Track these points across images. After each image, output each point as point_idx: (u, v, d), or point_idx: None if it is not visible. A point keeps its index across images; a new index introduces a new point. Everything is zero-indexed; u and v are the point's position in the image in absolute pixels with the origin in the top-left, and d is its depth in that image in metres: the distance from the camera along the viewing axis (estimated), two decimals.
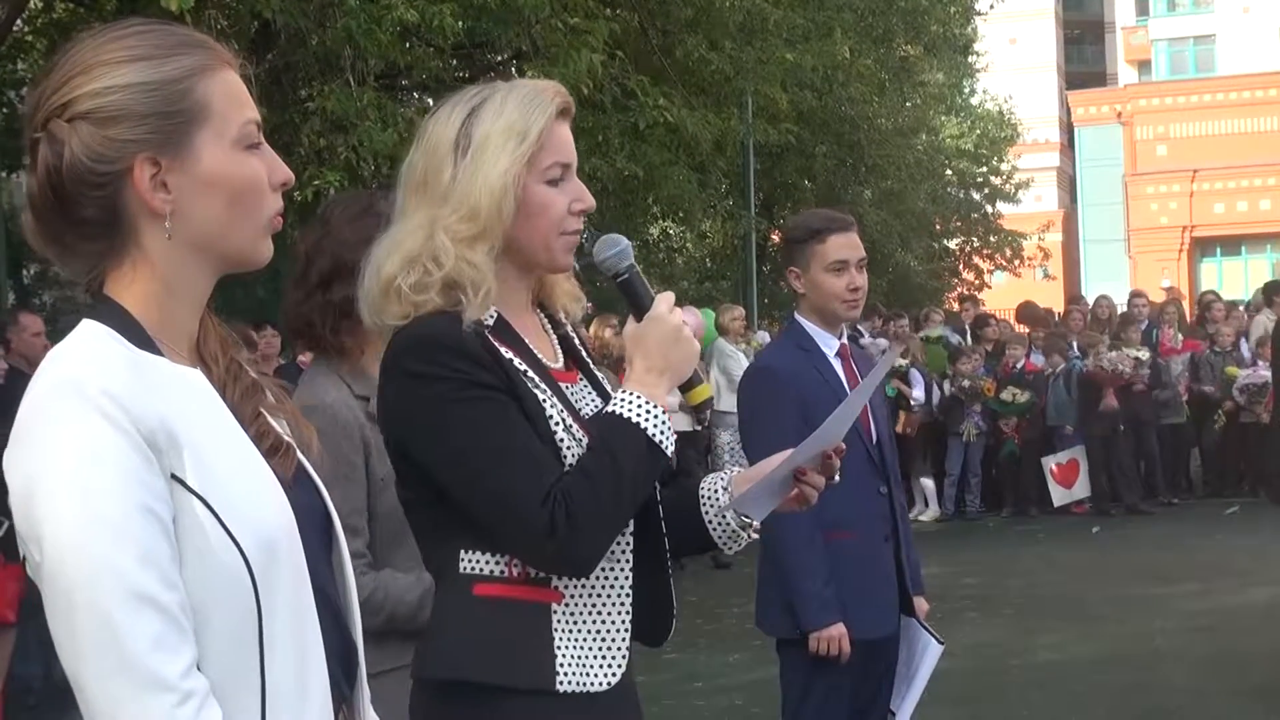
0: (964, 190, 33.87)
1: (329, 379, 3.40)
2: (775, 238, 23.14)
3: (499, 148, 2.53)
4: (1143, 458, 16.21)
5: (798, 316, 4.87)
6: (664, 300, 2.61)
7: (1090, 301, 18.95)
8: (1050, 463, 15.70)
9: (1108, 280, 37.97)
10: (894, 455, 4.96)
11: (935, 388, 16.03)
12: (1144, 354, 16.11)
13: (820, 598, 4.54)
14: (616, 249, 2.64)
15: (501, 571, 2.50)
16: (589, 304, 2.87)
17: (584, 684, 2.50)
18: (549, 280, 2.75)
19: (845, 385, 4.69)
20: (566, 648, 2.50)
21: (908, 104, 26.19)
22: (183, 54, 1.91)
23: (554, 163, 2.59)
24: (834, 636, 4.54)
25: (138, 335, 1.87)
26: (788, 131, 18.10)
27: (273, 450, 1.95)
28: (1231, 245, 46.52)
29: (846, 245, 4.75)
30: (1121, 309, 18.45)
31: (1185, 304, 19.74)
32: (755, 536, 2.74)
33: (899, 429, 15.24)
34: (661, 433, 2.48)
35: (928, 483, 16.18)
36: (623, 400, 2.50)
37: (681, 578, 12.45)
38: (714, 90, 16.54)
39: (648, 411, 2.48)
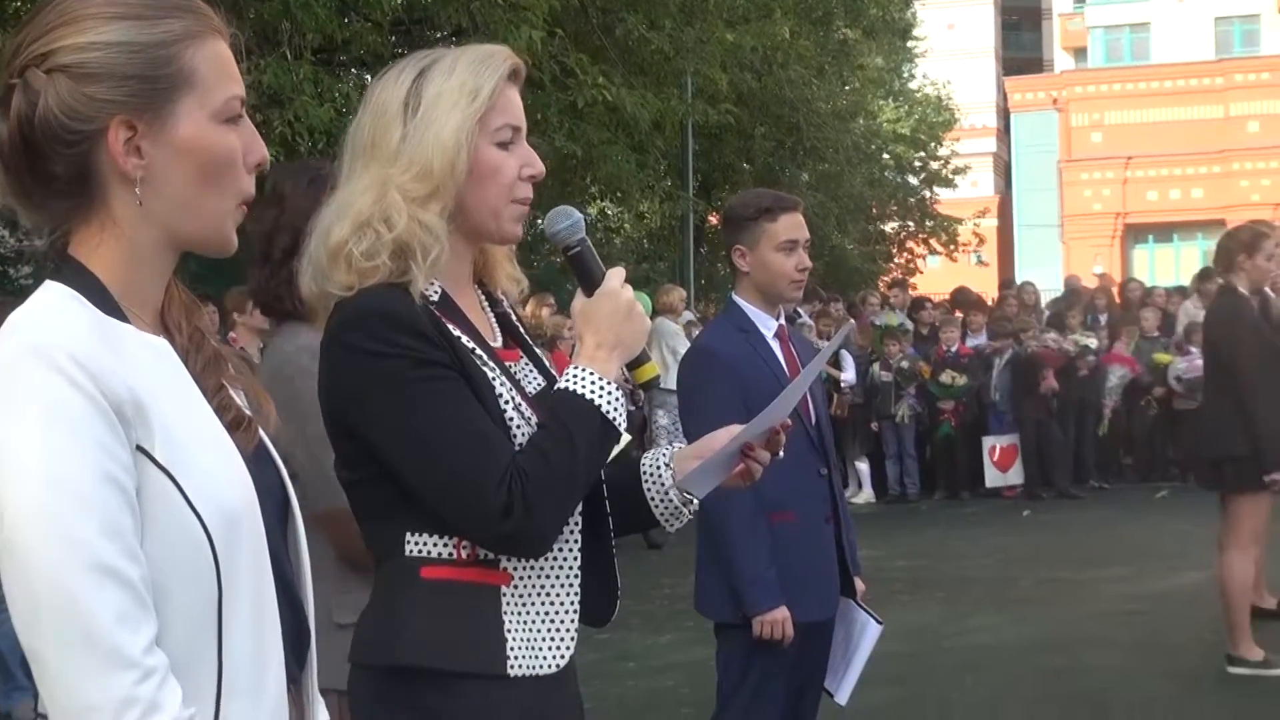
0: (901, 174, 33.95)
1: (311, 331, 3.37)
2: (713, 219, 23.13)
3: (451, 106, 2.49)
4: (1080, 442, 16.35)
5: (736, 297, 4.84)
6: (615, 275, 2.58)
7: (1016, 287, 19.12)
8: (990, 444, 15.80)
9: (1041, 266, 38.31)
10: (831, 437, 4.96)
11: (870, 370, 16.10)
12: (1093, 341, 16.25)
13: (764, 581, 4.52)
14: (569, 221, 2.61)
15: (450, 554, 2.46)
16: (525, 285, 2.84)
17: (534, 667, 2.47)
18: (490, 258, 2.71)
19: (784, 367, 4.68)
20: (516, 631, 2.46)
21: (846, 87, 26.20)
22: (174, 18, 1.86)
23: (504, 124, 2.55)
24: (777, 620, 4.52)
25: (104, 300, 1.82)
26: (727, 112, 18.08)
27: (235, 424, 1.91)
28: (1163, 233, 46.93)
29: (796, 225, 4.73)
30: (1053, 294, 18.61)
31: (1115, 291, 19.85)
32: (693, 514, 2.73)
33: (833, 411, 15.30)
34: (615, 410, 2.46)
35: (862, 465, 16.25)
36: (575, 377, 2.46)
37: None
38: (654, 70, 16.49)
39: (601, 388, 2.45)
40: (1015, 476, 15.84)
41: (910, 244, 34.67)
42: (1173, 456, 16.85)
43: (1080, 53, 50.79)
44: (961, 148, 39.22)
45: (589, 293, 2.57)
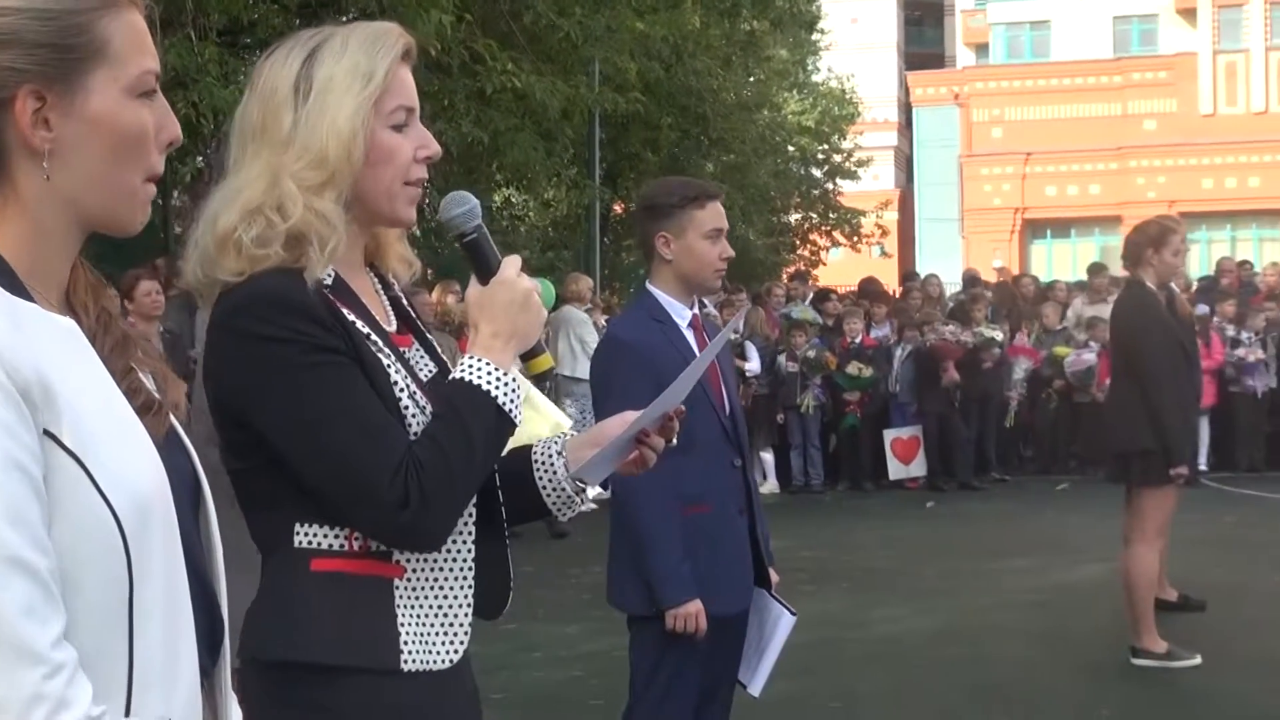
0: (805, 166, 34.08)
1: None
2: (618, 208, 23.09)
3: (344, 90, 2.41)
4: (982, 435, 16.48)
5: (651, 286, 4.76)
6: (511, 264, 2.51)
7: (921, 280, 19.26)
8: (892, 436, 15.87)
9: (941, 259, 38.50)
10: (745, 428, 4.92)
11: (775, 361, 16.12)
12: (998, 334, 16.38)
13: (678, 574, 4.47)
14: (464, 207, 2.54)
15: (341, 545, 2.38)
16: (430, 269, 2.76)
17: (428, 662, 2.41)
18: (381, 240, 2.64)
19: (698, 356, 4.63)
20: (410, 624, 2.40)
21: (752, 79, 26.26)
22: None
23: (399, 106, 2.48)
24: (691, 614, 4.47)
25: (8, 279, 1.73)
26: (635, 101, 18.03)
27: (145, 408, 1.83)
28: (1061, 228, 47.35)
29: (720, 214, 4.70)
30: (954, 288, 18.76)
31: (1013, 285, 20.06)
32: (586, 502, 2.68)
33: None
34: (511, 401, 2.40)
35: (766, 456, 16.27)
36: (471, 367, 2.40)
37: (518, 547, 12.33)
38: (562, 57, 16.39)
39: (497, 379, 2.39)
40: (918, 468, 15.95)
41: (814, 236, 34.82)
42: (1073, 449, 17.03)
43: (982, 49, 51.14)
44: (864, 141, 39.44)
45: (484, 281, 2.50)
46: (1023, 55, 48.50)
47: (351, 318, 2.40)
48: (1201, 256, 36.22)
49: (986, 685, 7.71)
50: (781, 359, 16.07)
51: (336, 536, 2.38)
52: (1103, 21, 47.43)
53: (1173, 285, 8.41)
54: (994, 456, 16.73)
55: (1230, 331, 16.80)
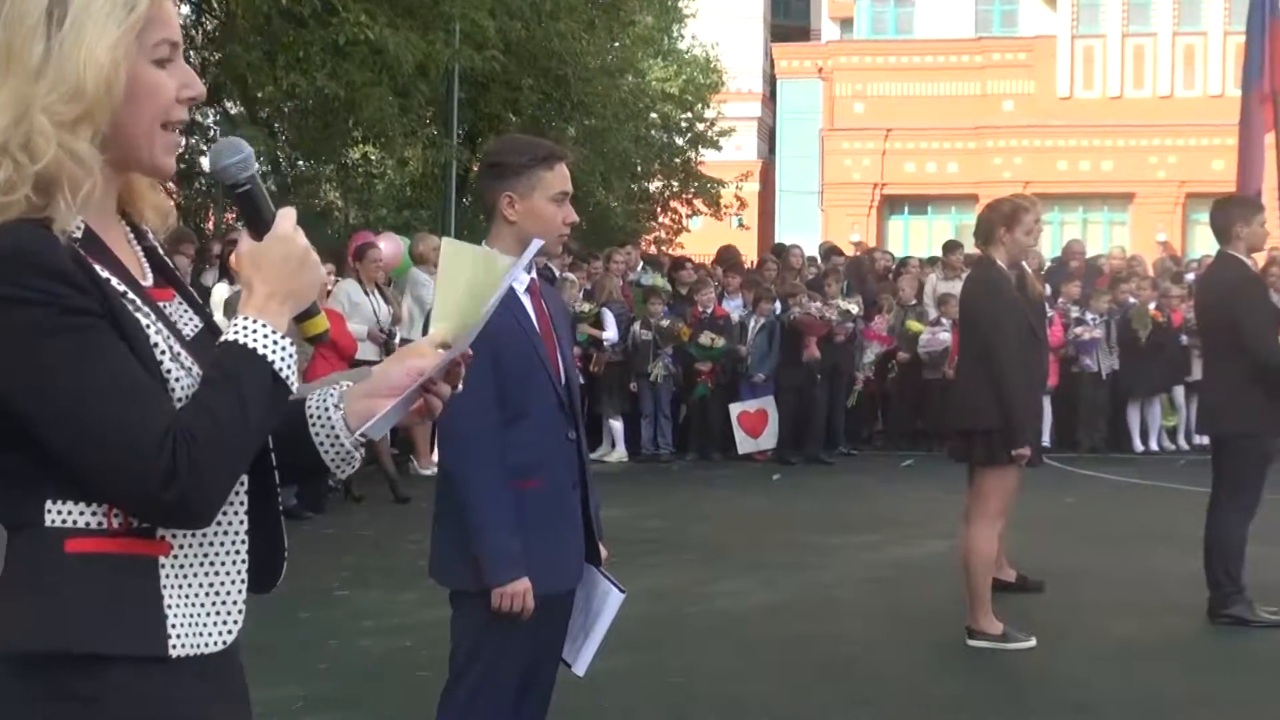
0: (667, 134, 33.97)
1: None
2: (477, 169, 22.79)
3: (105, 16, 2.17)
4: (832, 408, 16.52)
5: (489, 247, 4.60)
6: (287, 218, 2.32)
7: (788, 251, 19.24)
8: (738, 410, 15.83)
9: (801, 232, 38.60)
10: (579, 399, 4.78)
11: (630, 329, 16.03)
12: (854, 307, 16.41)
13: (507, 552, 4.30)
14: (237, 156, 2.33)
15: (99, 523, 2.17)
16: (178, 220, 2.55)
17: (198, 645, 2.22)
18: (133, 187, 2.41)
19: (534, 322, 4.47)
20: (178, 606, 2.20)
21: (616, 44, 26.08)
22: None
23: (163, 39, 2.26)
24: (518, 592, 4.31)
25: None
26: (493, 60, 17.80)
27: None
28: (919, 205, 47.78)
29: (567, 177, 4.52)
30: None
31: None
32: (362, 457, 2.50)
33: (590, 368, 15.22)
34: (287, 364, 2.22)
35: (616, 424, 16.18)
36: (244, 329, 2.21)
37: (359, 512, 12.22)
38: (421, 13, 16.14)
39: (272, 341, 2.21)
40: (767, 441, 15.92)
41: (675, 204, 34.76)
42: (920, 426, 17.16)
43: (847, 23, 51.33)
44: (727, 111, 39.42)
45: (258, 236, 2.31)
46: (887, 31, 48.78)
47: (105, 274, 2.18)
48: (1054, 238, 36.71)
49: (826, 661, 7.67)
50: (636, 326, 15.97)
51: (94, 514, 2.17)
52: (966, 1, 47.84)
53: (1024, 264, 8.41)
54: (843, 431, 16.77)
55: (1075, 313, 17.00)
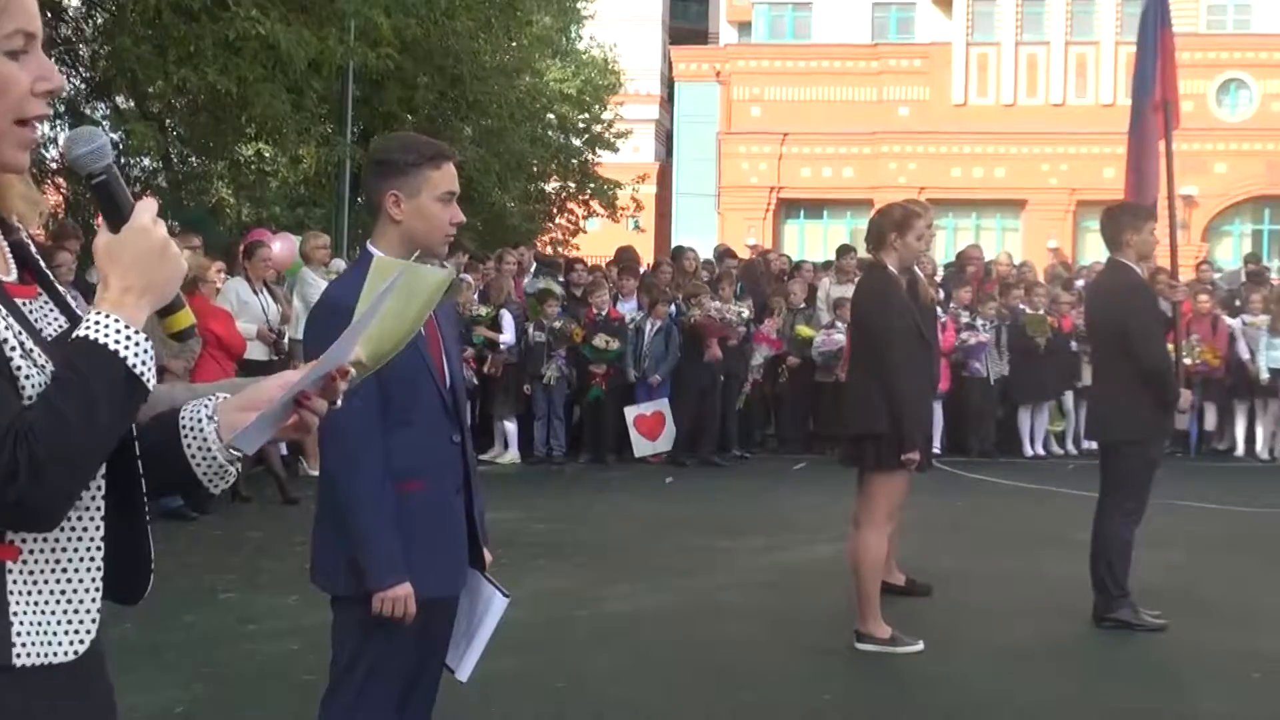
0: (564, 135, 33.90)
1: None
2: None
3: None
4: (725, 411, 16.53)
5: (373, 247, 4.46)
6: (146, 209, 2.23)
7: (673, 254, 19.27)
8: (634, 414, 15.78)
9: (697, 235, 38.69)
10: (465, 401, 4.70)
11: (525, 330, 15.94)
12: (745, 311, 16.42)
13: (388, 556, 4.22)
14: (91, 145, 2.24)
15: None
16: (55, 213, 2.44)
17: (46, 655, 2.14)
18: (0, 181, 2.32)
19: (421, 326, 4.39)
20: (24, 613, 2.13)
21: (513, 43, 25.95)
22: None
23: (17, 30, 2.17)
24: (399, 597, 4.23)
25: None
26: (388, 57, 17.64)
27: None
28: (815, 209, 48.07)
29: (454, 176, 4.44)
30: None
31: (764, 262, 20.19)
32: (237, 473, 2.43)
33: (486, 369, 15.14)
34: (143, 362, 2.13)
35: (509, 425, 16.08)
36: (96, 324, 2.12)
37: (247, 512, 12.05)
38: (315, 9, 15.95)
39: (126, 337, 2.12)
40: (664, 444, 15.87)
41: (571, 205, 34.70)
42: (812, 429, 17.22)
43: (745, 27, 51.53)
44: (625, 113, 39.42)
45: (115, 228, 2.22)
46: (784, 36, 49.05)
47: None
48: (948, 243, 37.13)
49: (715, 665, 7.63)
50: (530, 328, 15.89)
51: None
52: (863, 7, 48.24)
53: (916, 269, 8.43)
54: (735, 433, 16.79)
55: (965, 318, 17.13)
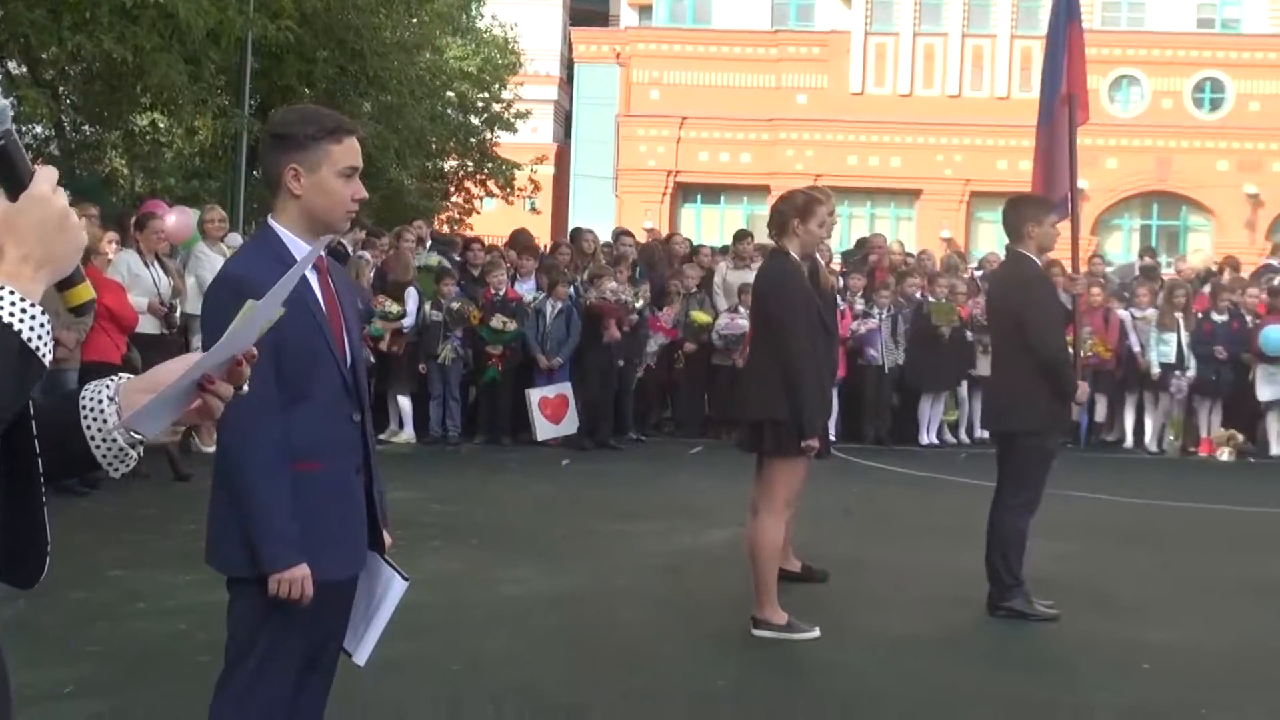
0: (464, 114, 33.68)
1: None
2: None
3: None
4: (622, 394, 16.50)
5: (273, 222, 4.34)
6: (46, 177, 2.14)
7: (572, 235, 19.22)
8: (538, 396, 15.67)
9: (595, 217, 38.61)
10: (365, 380, 4.62)
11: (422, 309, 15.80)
12: (641, 300, 16.36)
13: (283, 536, 4.13)
14: None
15: None
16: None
17: None
18: None
19: (321, 302, 4.30)
20: None
21: (414, 19, 25.74)
22: None
23: None
24: (296, 579, 4.14)
25: None
26: (288, 30, 17.40)
27: None
28: (712, 194, 48.16)
29: (356, 151, 4.32)
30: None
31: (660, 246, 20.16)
32: (139, 455, 2.35)
33: (385, 348, 15.01)
34: (39, 336, 2.05)
35: (405, 403, 15.95)
36: None
37: (139, 488, 11.82)
38: None
39: (22, 310, 2.03)
40: (568, 427, 15.77)
41: (468, 184, 34.50)
42: (708, 413, 17.23)
43: (645, 10, 51.45)
44: (524, 93, 39.24)
45: (13, 196, 2.13)
46: (684, 20, 49.01)
47: None
48: (843, 231, 37.24)
49: (610, 650, 7.60)
50: (426, 307, 15.76)
51: None
52: None
53: (817, 256, 8.43)
54: (631, 417, 16.77)
55: (860, 305, 17.22)
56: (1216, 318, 17.22)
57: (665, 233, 29.22)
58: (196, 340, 13.26)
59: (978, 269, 19.44)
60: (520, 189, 35.19)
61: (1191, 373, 17.09)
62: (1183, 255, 26.00)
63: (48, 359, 2.06)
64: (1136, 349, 17.23)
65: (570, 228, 23.92)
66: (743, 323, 16.17)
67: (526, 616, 8.29)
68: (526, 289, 16.43)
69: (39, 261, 2.10)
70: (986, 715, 6.74)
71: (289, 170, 4.26)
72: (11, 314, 2.03)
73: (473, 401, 16.48)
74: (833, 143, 45.41)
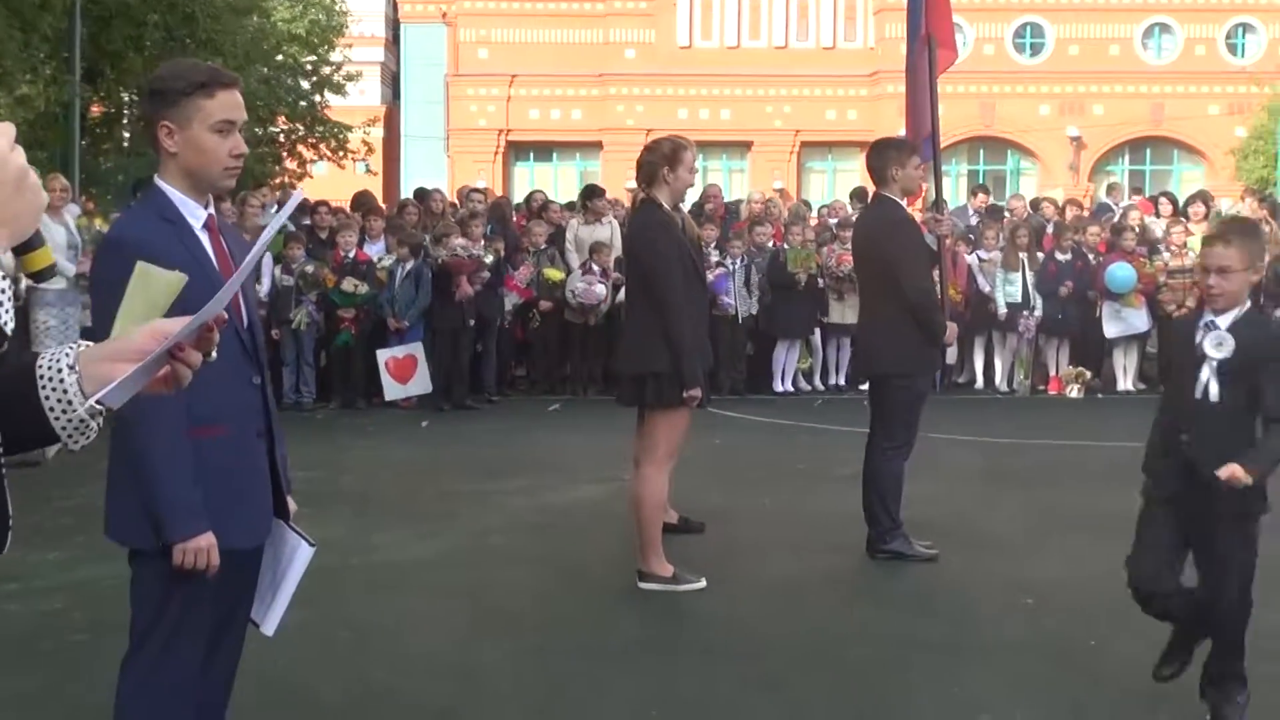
0: (294, 77, 33.17)
1: None
2: (96, 109, 21.75)
3: None
4: (483, 354, 16.34)
5: (160, 182, 4.20)
6: (3, 134, 2.01)
7: (417, 194, 19.02)
8: (386, 356, 15.45)
9: (427, 178, 38.30)
10: (263, 341, 4.48)
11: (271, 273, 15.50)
12: (491, 256, 16.17)
13: (186, 504, 4.00)
14: None
15: None
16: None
17: None
18: None
19: (214, 261, 4.16)
20: None
21: None
22: None
23: None
24: (201, 548, 4.02)
25: None
26: None
27: None
28: (544, 151, 48.11)
29: (233, 104, 4.16)
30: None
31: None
32: (99, 427, 2.25)
33: None
34: None
35: None
36: None
37: None
38: None
39: None
40: (416, 387, 15.56)
41: (300, 148, 34.03)
42: (567, 371, 17.15)
43: None
44: (353, 55, 38.75)
45: None
46: None
47: None
48: None
49: (497, 611, 7.52)
50: (277, 271, 15.46)
51: None
52: None
53: (680, 206, 8.38)
54: (491, 376, 16.62)
55: (715, 256, 17.21)
56: (1060, 257, 17.49)
57: (499, 192, 29.06)
58: (42, 314, 12.89)
59: (831, 217, 19.50)
60: (353, 152, 34.79)
61: (1039, 312, 17.35)
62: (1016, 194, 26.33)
63: (9, 328, 1.94)
64: (986, 289, 17.45)
65: (404, 188, 23.67)
66: (600, 289, 16.11)
67: (405, 581, 8.17)
68: (376, 250, 16.18)
69: None
70: (878, 656, 6.77)
71: (162, 127, 4.14)
72: None
73: (324, 366, 16.21)
74: (663, 97, 45.58)
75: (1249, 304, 5.62)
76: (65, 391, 2.17)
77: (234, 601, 4.32)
